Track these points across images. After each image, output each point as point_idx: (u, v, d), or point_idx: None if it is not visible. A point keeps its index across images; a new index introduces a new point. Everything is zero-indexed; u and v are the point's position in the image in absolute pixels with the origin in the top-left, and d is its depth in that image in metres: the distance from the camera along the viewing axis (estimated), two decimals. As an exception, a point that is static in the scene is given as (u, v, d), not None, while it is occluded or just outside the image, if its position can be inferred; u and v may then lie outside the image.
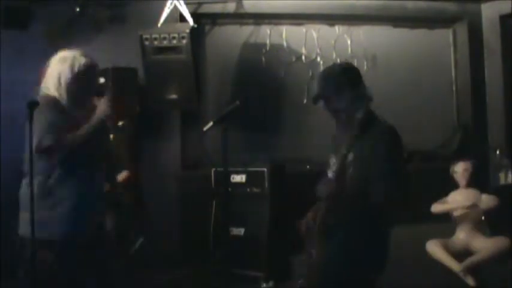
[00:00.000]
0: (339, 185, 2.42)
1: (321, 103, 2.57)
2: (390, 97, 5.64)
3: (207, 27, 5.69)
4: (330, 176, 2.59)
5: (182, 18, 5.05)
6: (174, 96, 4.90)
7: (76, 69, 2.76)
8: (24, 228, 2.57)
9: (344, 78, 2.52)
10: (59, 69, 2.77)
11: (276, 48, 5.71)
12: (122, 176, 4.21)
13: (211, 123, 2.72)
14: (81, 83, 2.76)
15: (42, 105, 2.60)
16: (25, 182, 2.64)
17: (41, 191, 2.61)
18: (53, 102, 2.71)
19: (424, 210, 4.41)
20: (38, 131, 2.56)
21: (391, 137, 2.46)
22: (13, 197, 4.50)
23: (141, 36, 4.80)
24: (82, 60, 2.79)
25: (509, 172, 5.20)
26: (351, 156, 2.45)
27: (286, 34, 5.73)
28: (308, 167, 5.39)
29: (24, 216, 2.58)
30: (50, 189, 2.64)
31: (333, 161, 2.61)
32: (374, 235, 2.46)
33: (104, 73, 4.90)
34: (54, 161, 2.63)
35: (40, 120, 2.56)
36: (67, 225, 2.64)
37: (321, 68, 5.71)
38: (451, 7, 5.73)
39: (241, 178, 4.85)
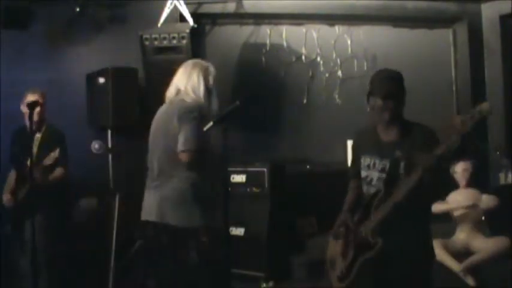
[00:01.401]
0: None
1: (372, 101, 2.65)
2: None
3: (207, 27, 5.69)
4: (374, 176, 2.68)
5: (182, 18, 5.05)
6: (174, 96, 4.90)
7: (214, 77, 3.11)
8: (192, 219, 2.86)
9: (403, 84, 2.71)
10: (202, 77, 3.05)
11: (276, 48, 5.71)
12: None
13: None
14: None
15: (194, 111, 2.88)
16: (189, 182, 2.87)
17: (199, 189, 2.91)
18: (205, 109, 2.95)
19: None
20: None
21: (436, 138, 2.63)
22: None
23: (141, 36, 4.81)
24: (212, 68, 3.13)
25: (509, 172, 5.19)
26: (400, 153, 2.59)
27: (286, 34, 5.73)
28: (308, 167, 5.40)
29: (193, 210, 2.86)
30: (205, 187, 2.94)
31: (370, 162, 2.70)
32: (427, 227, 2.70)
33: (104, 73, 4.93)
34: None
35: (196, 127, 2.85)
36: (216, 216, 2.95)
37: (321, 68, 5.73)
38: (451, 7, 5.73)
39: (241, 178, 4.85)
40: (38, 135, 4.10)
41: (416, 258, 2.58)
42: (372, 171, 2.69)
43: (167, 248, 2.88)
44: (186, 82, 3.02)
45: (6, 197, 4.13)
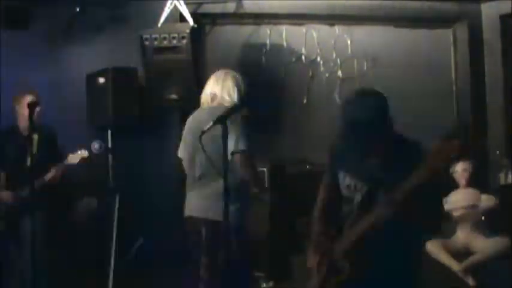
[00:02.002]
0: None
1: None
2: (390, 97, 5.63)
3: (207, 27, 5.68)
4: (358, 199, 2.38)
5: (182, 18, 5.04)
6: (174, 96, 4.90)
7: (243, 83, 3.40)
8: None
9: (377, 105, 2.33)
10: (235, 83, 3.34)
11: (276, 48, 5.70)
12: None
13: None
14: None
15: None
16: (237, 181, 3.10)
17: (244, 188, 3.23)
18: None
19: (424, 210, 4.40)
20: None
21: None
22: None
23: (141, 36, 4.80)
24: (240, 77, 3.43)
25: (509, 172, 5.19)
26: (382, 179, 2.26)
27: (286, 34, 5.73)
28: (308, 167, 5.40)
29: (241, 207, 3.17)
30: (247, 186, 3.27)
31: (350, 182, 2.41)
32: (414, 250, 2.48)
33: (104, 73, 4.93)
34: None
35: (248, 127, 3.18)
36: None
37: (321, 68, 5.73)
38: (451, 7, 5.72)
39: (241, 178, 4.84)
40: (35, 135, 4.09)
41: (398, 279, 2.33)
42: (355, 193, 2.40)
43: (214, 243, 3.13)
44: (221, 88, 3.30)
45: (7, 195, 4.11)
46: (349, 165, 2.44)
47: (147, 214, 5.08)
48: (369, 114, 2.24)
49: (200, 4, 5.40)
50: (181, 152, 3.48)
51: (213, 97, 3.31)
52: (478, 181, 4.52)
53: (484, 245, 4.14)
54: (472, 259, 4.08)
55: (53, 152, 4.20)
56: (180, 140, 5.48)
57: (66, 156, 4.14)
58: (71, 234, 4.77)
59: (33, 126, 3.71)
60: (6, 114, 4.91)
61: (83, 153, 4.09)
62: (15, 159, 4.13)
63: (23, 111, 4.06)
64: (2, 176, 4.21)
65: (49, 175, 4.08)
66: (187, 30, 4.75)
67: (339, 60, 5.74)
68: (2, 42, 5.07)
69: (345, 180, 2.44)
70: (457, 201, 4.37)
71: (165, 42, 4.76)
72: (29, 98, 4.05)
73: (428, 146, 2.29)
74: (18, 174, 4.10)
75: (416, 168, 2.11)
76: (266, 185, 4.78)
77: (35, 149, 4.02)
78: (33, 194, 3.79)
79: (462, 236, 4.29)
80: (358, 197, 2.38)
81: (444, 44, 5.90)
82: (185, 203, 3.34)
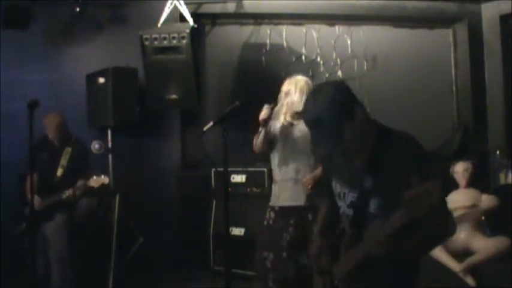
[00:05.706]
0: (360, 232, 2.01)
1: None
2: (390, 97, 5.65)
3: (207, 27, 5.69)
4: (345, 209, 2.15)
5: (182, 18, 5.05)
6: (174, 96, 4.90)
7: None
8: None
9: (346, 96, 2.01)
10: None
11: (276, 48, 5.71)
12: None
13: (211, 123, 2.72)
14: None
15: None
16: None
17: None
18: None
19: (424, 210, 4.40)
20: None
21: (417, 149, 2.08)
22: (13, 196, 4.53)
23: (141, 36, 4.80)
24: None
25: (509, 172, 5.19)
26: (370, 183, 2.02)
27: (286, 34, 5.73)
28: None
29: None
30: None
31: (340, 190, 2.17)
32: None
33: (104, 73, 4.93)
34: None
35: None
36: None
37: (321, 68, 5.74)
38: (451, 7, 5.73)
39: (241, 178, 4.85)
40: (68, 149, 4.20)
41: None
42: (342, 202, 2.16)
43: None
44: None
45: (38, 202, 4.09)
46: (337, 167, 2.19)
47: (147, 214, 5.08)
48: (315, 109, 1.96)
49: (200, 4, 5.41)
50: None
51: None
52: (478, 181, 4.52)
53: (484, 245, 4.13)
54: (472, 259, 4.08)
55: (82, 167, 4.23)
56: (180, 139, 5.54)
57: (89, 177, 4.15)
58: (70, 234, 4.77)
59: (31, 127, 3.70)
60: (7, 114, 4.92)
61: (104, 179, 4.12)
62: (46, 168, 4.19)
63: (49, 130, 4.26)
64: (35, 178, 4.20)
65: (68, 192, 4.10)
66: (187, 30, 4.75)
67: (339, 60, 5.74)
68: (2, 42, 5.07)
69: (336, 187, 2.20)
70: (457, 201, 4.36)
71: (165, 42, 4.77)
72: (51, 117, 4.22)
73: (428, 146, 2.24)
74: (47, 182, 4.17)
75: (405, 169, 1.94)
76: (266, 185, 4.78)
77: (65, 162, 4.16)
78: (57, 204, 4.07)
79: (462, 236, 4.29)
80: (346, 210, 2.14)
81: (444, 44, 5.91)
82: None
